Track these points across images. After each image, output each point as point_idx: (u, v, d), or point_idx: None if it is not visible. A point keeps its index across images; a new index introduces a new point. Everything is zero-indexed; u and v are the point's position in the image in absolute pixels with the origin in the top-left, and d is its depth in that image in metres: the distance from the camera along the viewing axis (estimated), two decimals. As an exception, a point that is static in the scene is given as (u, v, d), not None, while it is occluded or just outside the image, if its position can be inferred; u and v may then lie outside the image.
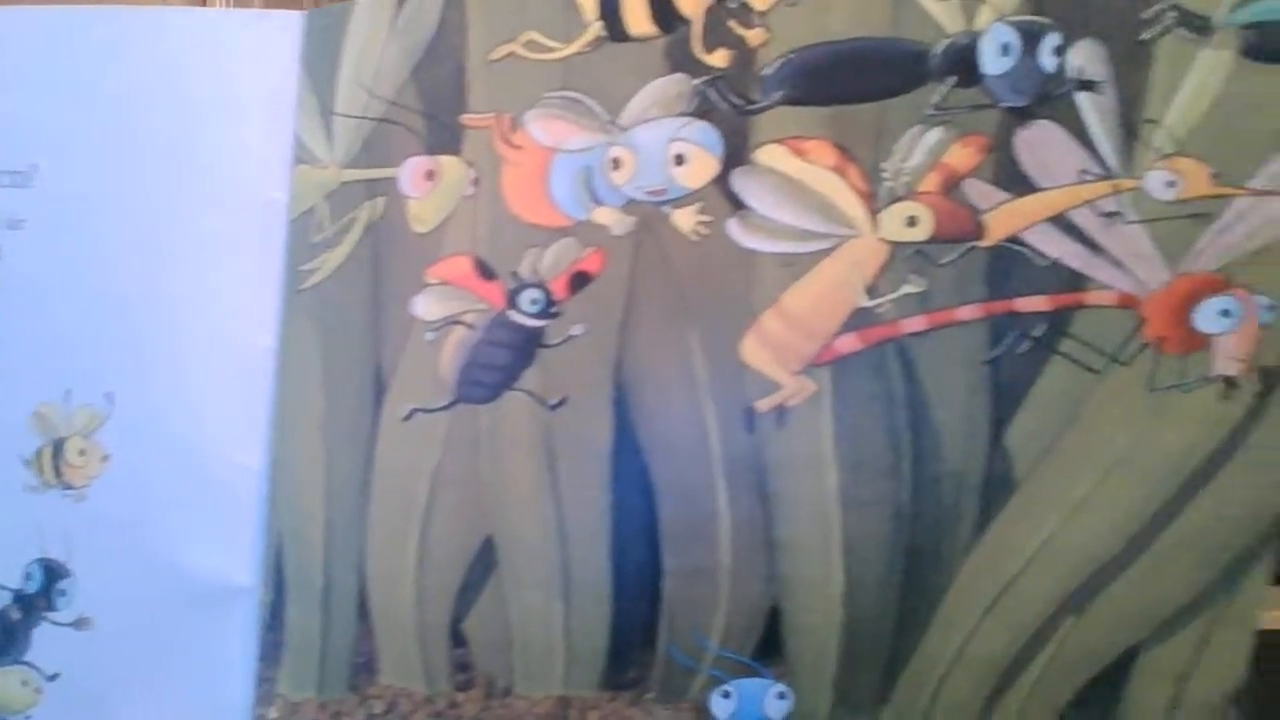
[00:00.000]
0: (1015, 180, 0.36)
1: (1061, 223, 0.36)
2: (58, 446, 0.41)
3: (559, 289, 0.37)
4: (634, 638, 0.39)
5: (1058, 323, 0.36)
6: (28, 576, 0.41)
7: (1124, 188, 0.35)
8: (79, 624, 0.41)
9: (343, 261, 0.40)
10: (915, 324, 0.36)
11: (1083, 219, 0.35)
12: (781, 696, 0.39)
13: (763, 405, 0.37)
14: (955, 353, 0.36)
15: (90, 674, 0.41)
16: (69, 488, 0.41)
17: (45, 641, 0.41)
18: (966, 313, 0.36)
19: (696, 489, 0.38)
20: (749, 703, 0.39)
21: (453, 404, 0.39)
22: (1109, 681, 0.38)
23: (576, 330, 0.38)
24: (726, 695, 0.39)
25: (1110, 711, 0.38)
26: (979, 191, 0.36)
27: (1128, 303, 0.36)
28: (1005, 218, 0.36)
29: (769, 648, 0.38)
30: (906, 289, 0.36)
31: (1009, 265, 0.36)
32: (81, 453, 0.41)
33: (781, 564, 0.38)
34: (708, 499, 0.38)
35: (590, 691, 0.39)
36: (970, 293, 0.36)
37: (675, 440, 0.38)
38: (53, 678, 0.41)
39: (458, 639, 0.39)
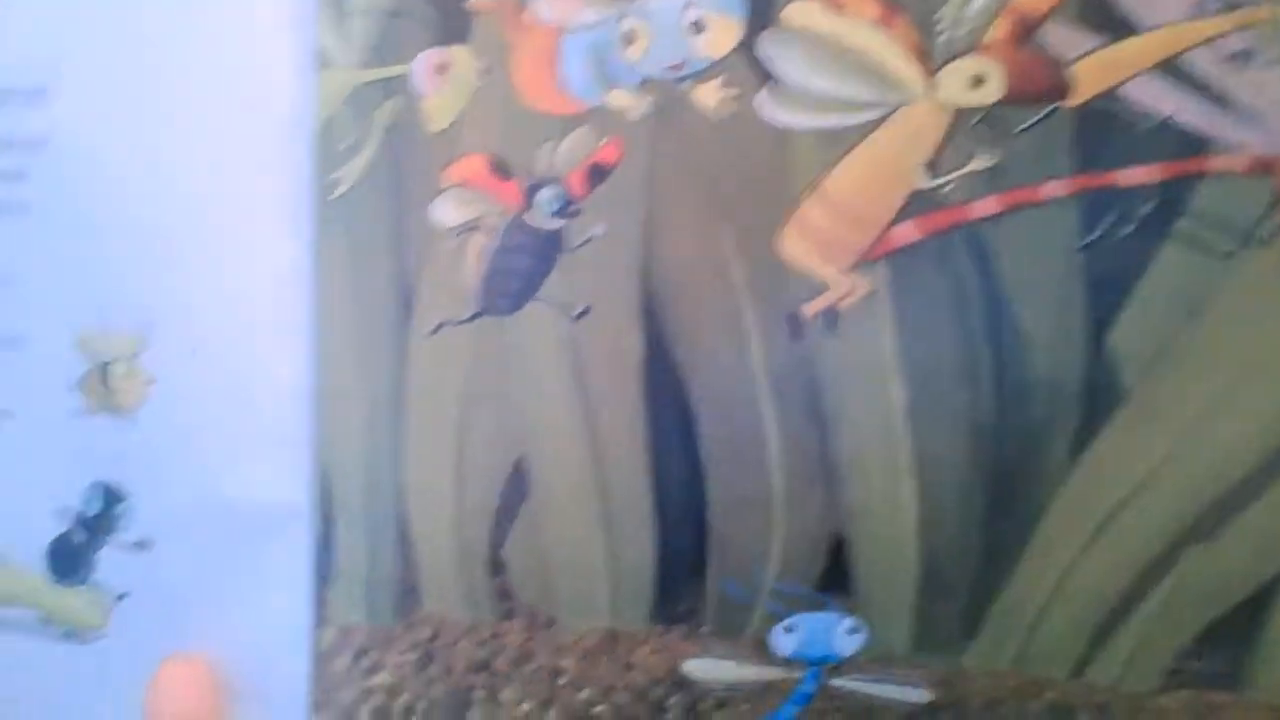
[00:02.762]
0: (1109, 20, 0.30)
1: (1173, 71, 0.30)
2: (104, 370, 0.41)
3: (576, 185, 0.34)
4: (682, 568, 0.36)
5: (1171, 197, 0.31)
6: (88, 499, 0.41)
7: (1258, 20, 0.29)
8: (141, 545, 0.41)
9: (366, 167, 0.38)
10: (988, 206, 0.32)
11: (1202, 64, 0.30)
12: (853, 631, 0.35)
13: (810, 309, 0.33)
14: (1040, 239, 0.31)
15: (156, 593, 0.41)
16: (118, 410, 0.41)
17: (110, 563, 0.42)
18: (1052, 190, 0.31)
19: (739, 407, 0.34)
20: (815, 638, 0.35)
21: (476, 316, 0.36)
22: (1243, 617, 0.33)
23: (597, 230, 0.34)
24: (789, 630, 0.35)
25: (1242, 652, 0.33)
26: (1062, 38, 0.30)
27: (1265, 167, 0.30)
28: (1098, 69, 0.30)
29: (835, 578, 0.35)
30: (975, 164, 0.31)
31: (1105, 129, 0.31)
32: (127, 376, 0.41)
33: (843, 490, 0.34)
34: (753, 419, 0.34)
35: (640, 625, 0.37)
36: (1056, 165, 0.31)
37: (713, 352, 0.34)
38: (121, 597, 0.42)
39: (497, 566, 0.38)
